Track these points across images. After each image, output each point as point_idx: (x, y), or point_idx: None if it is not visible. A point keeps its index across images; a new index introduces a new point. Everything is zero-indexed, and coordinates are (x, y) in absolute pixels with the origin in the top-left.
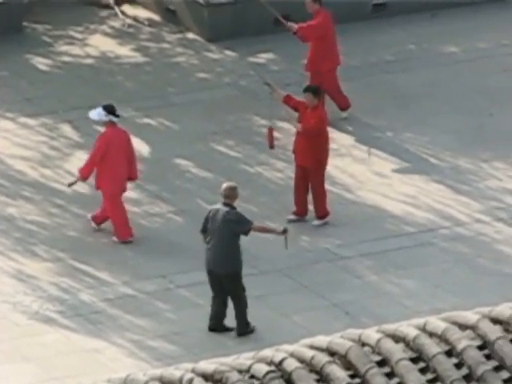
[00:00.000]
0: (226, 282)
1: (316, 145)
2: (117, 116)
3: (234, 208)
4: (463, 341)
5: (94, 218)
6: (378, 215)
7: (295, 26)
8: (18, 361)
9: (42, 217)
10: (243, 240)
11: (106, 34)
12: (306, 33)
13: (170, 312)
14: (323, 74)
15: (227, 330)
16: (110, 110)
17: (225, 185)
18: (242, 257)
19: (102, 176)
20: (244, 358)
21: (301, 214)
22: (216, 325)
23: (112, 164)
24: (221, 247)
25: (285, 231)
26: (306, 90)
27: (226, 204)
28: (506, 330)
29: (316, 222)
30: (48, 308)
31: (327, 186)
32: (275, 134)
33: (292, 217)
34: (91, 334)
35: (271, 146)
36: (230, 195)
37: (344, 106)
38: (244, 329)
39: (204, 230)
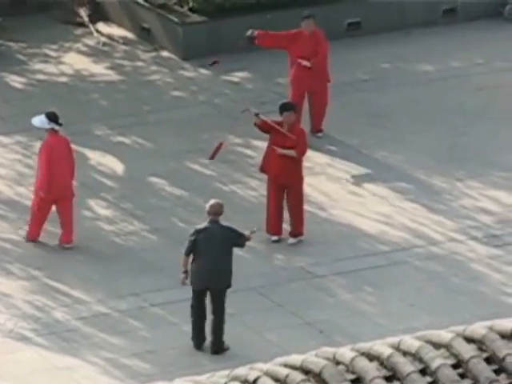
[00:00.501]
0: (219, 298)
1: (301, 163)
2: (59, 124)
3: (223, 224)
4: (437, 359)
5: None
6: (353, 234)
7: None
8: None
9: (17, 235)
10: None
11: (81, 52)
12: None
13: (144, 330)
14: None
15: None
16: (52, 117)
17: (213, 202)
18: None
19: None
20: (218, 377)
21: (280, 233)
22: (220, 342)
23: (52, 170)
24: (221, 263)
25: (253, 232)
26: (290, 108)
27: (214, 221)
28: (480, 349)
29: (292, 241)
30: (22, 326)
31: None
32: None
33: (275, 238)
34: (65, 352)
35: (212, 157)
36: (219, 212)
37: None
38: (221, 345)
39: (190, 252)
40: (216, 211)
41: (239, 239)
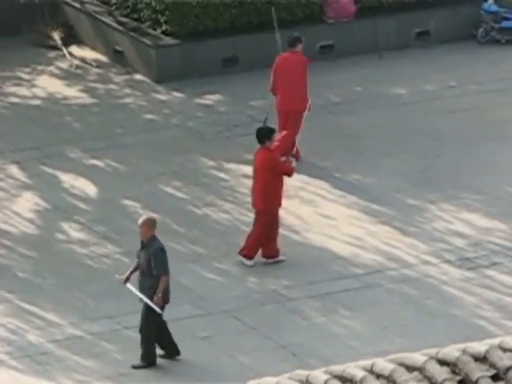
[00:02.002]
0: None
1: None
2: None
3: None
4: (410, 382)
5: None
6: (325, 257)
7: None
8: None
9: None
10: (189, 280)
11: (54, 75)
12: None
13: (117, 353)
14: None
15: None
16: None
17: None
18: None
19: None
20: None
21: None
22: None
23: None
24: None
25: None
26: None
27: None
28: (453, 372)
29: (268, 261)
30: None
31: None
32: None
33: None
34: (39, 375)
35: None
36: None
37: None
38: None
39: None
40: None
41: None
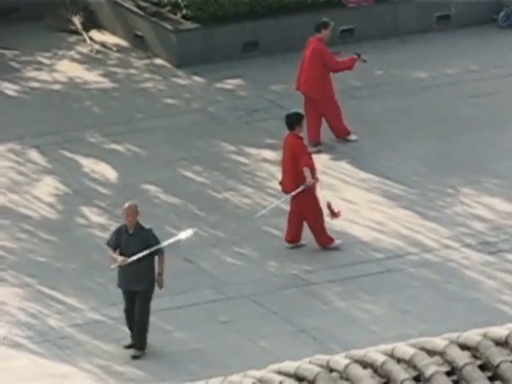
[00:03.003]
0: None
1: None
2: None
3: (121, 225)
4: (431, 367)
5: None
6: (346, 241)
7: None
8: None
9: (10, 242)
10: (209, 265)
11: (74, 60)
12: None
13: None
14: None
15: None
16: None
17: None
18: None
19: None
20: None
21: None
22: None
23: None
24: None
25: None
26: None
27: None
28: (474, 356)
29: (289, 245)
30: (16, 333)
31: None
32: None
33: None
34: (59, 360)
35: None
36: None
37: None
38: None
39: None
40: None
41: None
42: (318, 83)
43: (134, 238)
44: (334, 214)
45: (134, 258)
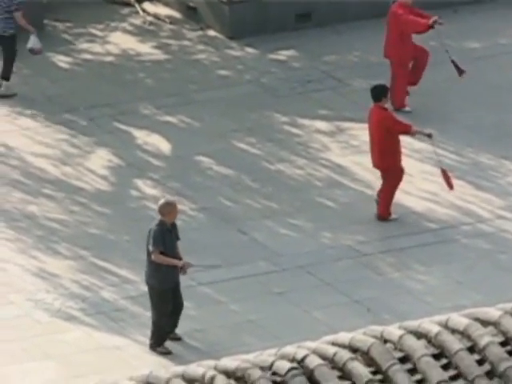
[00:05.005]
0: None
1: None
2: None
3: (157, 225)
4: (485, 337)
5: None
6: (400, 212)
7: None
8: (39, 358)
9: (64, 214)
10: (263, 236)
11: (127, 32)
12: None
13: (191, 309)
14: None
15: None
16: None
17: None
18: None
19: None
20: (266, 355)
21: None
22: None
23: None
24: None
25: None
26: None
27: (159, 220)
28: None
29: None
30: (70, 306)
31: (348, 183)
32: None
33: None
34: (113, 332)
35: (450, 186)
36: (160, 211)
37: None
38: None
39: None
40: (159, 211)
41: (150, 243)
42: (396, 46)
43: (173, 233)
44: (449, 184)
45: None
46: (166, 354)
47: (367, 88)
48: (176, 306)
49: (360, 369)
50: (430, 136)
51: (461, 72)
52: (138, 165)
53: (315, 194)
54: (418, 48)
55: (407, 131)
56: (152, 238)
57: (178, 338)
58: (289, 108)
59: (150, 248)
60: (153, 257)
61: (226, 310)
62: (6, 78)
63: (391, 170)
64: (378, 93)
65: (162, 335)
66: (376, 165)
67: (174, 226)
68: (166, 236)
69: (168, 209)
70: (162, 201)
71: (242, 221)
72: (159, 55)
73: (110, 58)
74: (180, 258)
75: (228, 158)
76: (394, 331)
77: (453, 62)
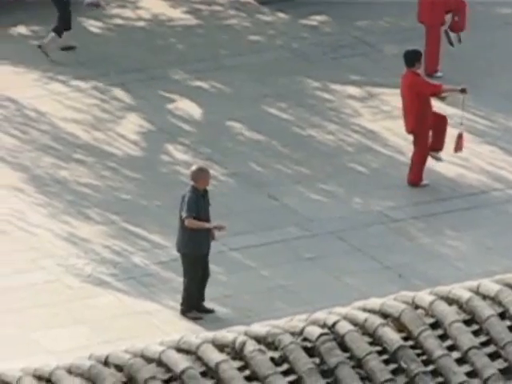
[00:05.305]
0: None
1: None
2: None
3: (191, 192)
4: None
5: None
6: (431, 177)
7: None
8: (70, 324)
9: (95, 180)
10: (294, 202)
11: None
12: None
13: (222, 275)
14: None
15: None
16: None
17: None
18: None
19: None
20: (297, 321)
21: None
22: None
23: None
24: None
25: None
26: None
27: (191, 186)
28: None
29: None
30: (101, 271)
31: (380, 148)
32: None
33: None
34: (144, 297)
35: (459, 148)
36: (193, 178)
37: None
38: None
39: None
40: (191, 176)
41: (183, 211)
42: (429, 11)
43: (205, 200)
44: (458, 147)
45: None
46: (197, 319)
47: (399, 54)
48: (205, 272)
49: (391, 335)
50: (463, 91)
51: (451, 43)
52: (169, 130)
53: (346, 160)
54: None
55: (438, 91)
56: (186, 205)
57: (210, 311)
58: (320, 73)
59: (183, 214)
60: (186, 222)
61: (256, 275)
62: (59, 33)
63: (424, 136)
64: (412, 58)
65: (193, 301)
66: (409, 130)
67: (206, 192)
68: (199, 202)
69: (201, 175)
70: (194, 167)
71: (272, 186)
72: (191, 20)
73: (141, 23)
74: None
75: (259, 124)
76: (425, 297)
77: (446, 32)
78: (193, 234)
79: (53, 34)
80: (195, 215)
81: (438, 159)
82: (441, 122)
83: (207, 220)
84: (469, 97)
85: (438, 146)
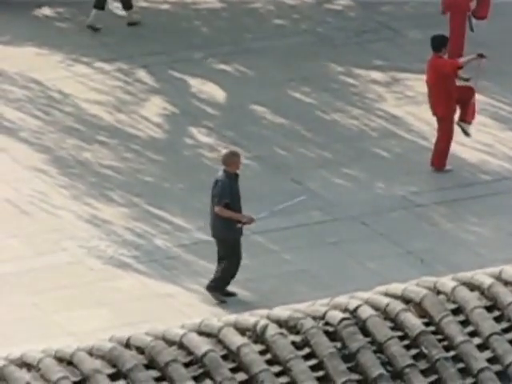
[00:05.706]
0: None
1: None
2: None
3: (224, 176)
4: None
5: None
6: (454, 163)
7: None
8: (92, 306)
9: (117, 161)
10: (317, 186)
11: None
12: None
13: (244, 258)
14: None
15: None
16: None
17: (223, 151)
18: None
19: None
20: (319, 305)
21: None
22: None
23: None
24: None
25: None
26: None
27: (224, 170)
28: None
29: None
30: (123, 253)
31: (403, 133)
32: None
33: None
34: (165, 280)
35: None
36: (225, 162)
37: None
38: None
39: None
40: (222, 160)
41: (216, 197)
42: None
43: (237, 184)
44: (466, 119)
45: (281, 206)
46: (220, 302)
47: (423, 39)
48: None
49: (412, 320)
50: (482, 56)
51: (472, 29)
52: (193, 113)
53: (370, 144)
54: None
55: (458, 64)
56: (221, 190)
57: (233, 294)
58: (344, 58)
59: (216, 201)
60: (217, 209)
61: (278, 259)
62: (101, 7)
63: (449, 120)
64: (439, 43)
65: (225, 283)
66: (435, 112)
67: (237, 175)
68: (232, 187)
69: (233, 159)
70: (226, 151)
71: (295, 170)
72: (215, 3)
73: (165, 6)
74: (240, 209)
75: (283, 107)
76: (447, 282)
77: (469, 18)
78: (227, 219)
79: (95, 11)
80: (228, 201)
81: (467, 133)
82: (466, 92)
83: (239, 203)
84: (485, 62)
85: (466, 117)
